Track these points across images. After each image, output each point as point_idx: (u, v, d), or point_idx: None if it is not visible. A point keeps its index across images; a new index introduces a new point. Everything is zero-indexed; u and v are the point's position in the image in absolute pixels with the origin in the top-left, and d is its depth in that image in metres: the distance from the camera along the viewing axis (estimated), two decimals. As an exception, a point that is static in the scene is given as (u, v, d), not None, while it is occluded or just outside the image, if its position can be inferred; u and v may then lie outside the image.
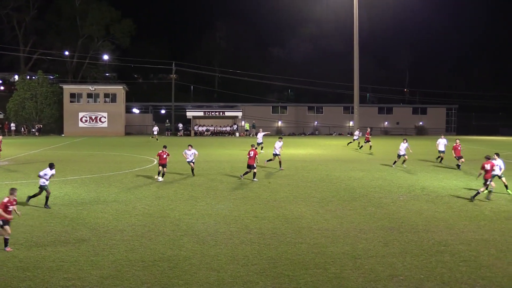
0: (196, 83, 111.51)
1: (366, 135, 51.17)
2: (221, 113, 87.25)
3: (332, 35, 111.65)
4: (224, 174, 31.79)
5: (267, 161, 34.69)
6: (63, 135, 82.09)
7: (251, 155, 29.12)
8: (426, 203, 22.88)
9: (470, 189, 26.73)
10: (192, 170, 31.06)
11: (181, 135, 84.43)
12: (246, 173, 29.54)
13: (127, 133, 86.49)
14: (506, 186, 25.35)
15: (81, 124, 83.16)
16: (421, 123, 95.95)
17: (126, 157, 43.23)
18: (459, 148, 35.41)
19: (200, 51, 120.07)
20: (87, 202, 22.66)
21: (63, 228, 17.95)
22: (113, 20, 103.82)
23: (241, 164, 34.14)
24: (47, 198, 21.45)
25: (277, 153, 33.87)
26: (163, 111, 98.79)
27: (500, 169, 24.83)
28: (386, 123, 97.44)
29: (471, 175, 31.64)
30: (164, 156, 29.19)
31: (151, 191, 25.60)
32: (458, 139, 37.12)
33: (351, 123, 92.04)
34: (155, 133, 70.31)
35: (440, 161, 38.25)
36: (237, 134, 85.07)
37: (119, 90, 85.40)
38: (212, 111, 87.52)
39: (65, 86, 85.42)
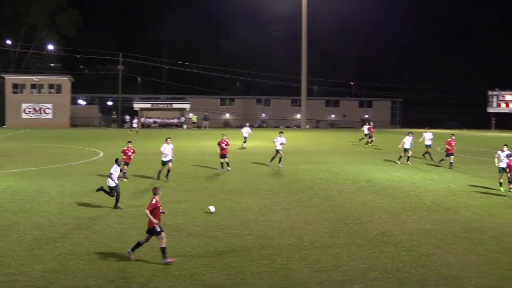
0: (143, 74, 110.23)
1: (369, 130, 48.48)
2: (168, 105, 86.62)
3: (280, 28, 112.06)
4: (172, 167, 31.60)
5: (271, 161, 32.58)
6: (5, 126, 79.95)
7: (224, 145, 29.88)
8: (370, 195, 23.33)
9: (413, 181, 27.42)
10: (168, 172, 26.39)
11: (128, 127, 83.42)
12: (222, 163, 30.05)
13: (73, 125, 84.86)
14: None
15: (24, 116, 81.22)
16: (367, 116, 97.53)
17: (72, 149, 42.49)
18: (453, 144, 32.93)
19: (148, 42, 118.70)
20: (30, 195, 22.19)
21: (5, 222, 17.52)
22: (58, 9, 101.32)
23: (190, 157, 34.02)
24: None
25: (279, 149, 32.16)
26: (110, 103, 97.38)
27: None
28: (333, 115, 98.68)
29: (415, 168, 32.41)
30: (129, 153, 26.84)
31: (97, 183, 25.18)
32: (454, 135, 34.51)
33: (298, 116, 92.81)
34: (135, 125, 69.13)
35: (429, 156, 36.45)
36: (185, 126, 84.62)
37: (65, 81, 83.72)
38: (160, 103, 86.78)
39: (6, 76, 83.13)
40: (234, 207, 19.98)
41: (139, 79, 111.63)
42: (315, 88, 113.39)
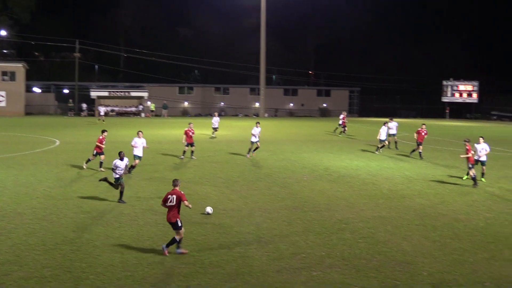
0: (101, 62, 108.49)
1: (342, 119, 48.20)
2: (126, 93, 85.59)
3: (239, 17, 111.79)
4: (131, 155, 31.29)
5: (248, 153, 31.88)
6: (-44, 114, 77.78)
7: (191, 133, 30.04)
8: (328, 183, 23.57)
9: (370, 169, 27.81)
10: (132, 168, 24.31)
11: (85, 115, 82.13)
12: (185, 151, 30.10)
13: (28, 113, 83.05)
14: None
15: (-24, 104, 79.13)
16: (324, 104, 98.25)
17: (27, 138, 41.64)
18: (423, 133, 32.86)
19: (105, 29, 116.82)
20: (-17, 185, 21.70)
21: (-42, 212, 17.13)
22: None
23: (149, 145, 33.63)
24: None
25: (256, 140, 31.67)
26: (66, 91, 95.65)
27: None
28: (291, 104, 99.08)
29: (373, 157, 32.87)
30: (104, 142, 25.81)
31: (52, 172, 24.84)
32: (425, 124, 34.53)
33: (257, 104, 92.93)
34: (102, 113, 67.76)
35: (395, 145, 36.97)
36: (143, 114, 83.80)
37: (19, 68, 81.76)
38: (117, 91, 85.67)
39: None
40: (192, 196, 19.88)
41: (96, 66, 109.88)
42: (274, 76, 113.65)
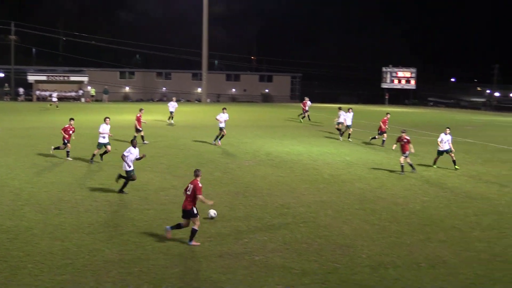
0: (39, 46, 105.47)
1: (303, 105, 48.17)
2: (65, 78, 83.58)
3: (181, 1, 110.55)
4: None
5: (214, 140, 31.02)
6: None
7: (142, 119, 30.48)
8: (270, 168, 23.74)
9: (311, 154, 28.15)
10: (105, 153, 24.41)
11: (22, 100, 79.79)
12: (135, 137, 29.34)
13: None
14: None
15: None
16: (266, 90, 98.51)
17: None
18: (386, 123, 32.89)
19: (43, 11, 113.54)
20: None
21: None
22: None
23: (88, 131, 33.03)
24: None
25: (223, 126, 30.86)
26: (1, 75, 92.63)
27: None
28: (234, 90, 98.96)
29: (316, 142, 33.26)
30: (71, 132, 24.92)
31: (-12, 159, 24.09)
32: (389, 113, 34.53)
33: (199, 90, 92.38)
34: (54, 99, 65.01)
35: (348, 136, 34.88)
36: (83, 99, 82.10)
37: (-49, 50, 78.69)
38: (56, 76, 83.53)
39: None
40: (133, 182, 19.59)
41: (34, 50, 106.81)
42: (216, 62, 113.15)
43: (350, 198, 18.49)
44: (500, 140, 37.67)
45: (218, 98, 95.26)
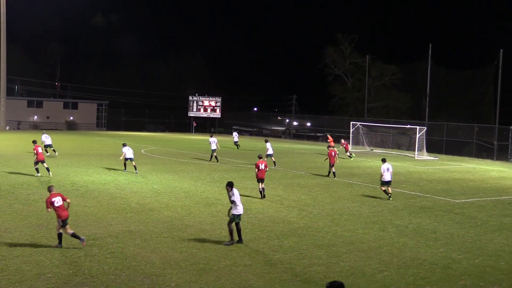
0: None
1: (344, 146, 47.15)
2: None
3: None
4: None
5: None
6: None
7: None
8: (76, 198, 22.90)
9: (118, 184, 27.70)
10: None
11: None
12: None
13: None
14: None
15: None
16: (71, 118, 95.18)
17: None
18: (334, 154, 33.21)
19: None
20: None
21: None
22: None
23: None
24: None
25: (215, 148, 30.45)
26: None
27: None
28: (36, 117, 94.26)
29: (118, 171, 32.75)
30: (40, 150, 28.63)
31: None
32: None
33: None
34: None
35: (273, 163, 37.78)
36: None
37: None
38: None
39: None
40: None
41: None
42: (16, 87, 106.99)
43: (158, 227, 18.46)
44: (298, 166, 40.12)
45: (19, 125, 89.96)
